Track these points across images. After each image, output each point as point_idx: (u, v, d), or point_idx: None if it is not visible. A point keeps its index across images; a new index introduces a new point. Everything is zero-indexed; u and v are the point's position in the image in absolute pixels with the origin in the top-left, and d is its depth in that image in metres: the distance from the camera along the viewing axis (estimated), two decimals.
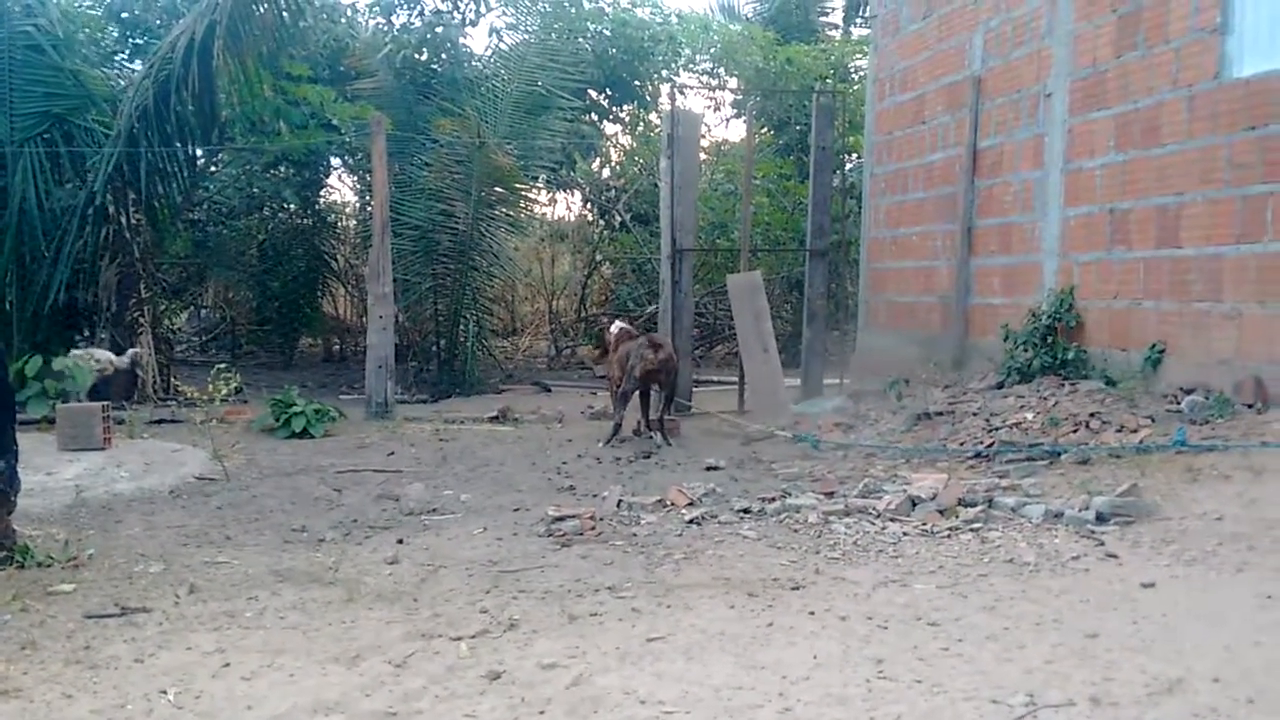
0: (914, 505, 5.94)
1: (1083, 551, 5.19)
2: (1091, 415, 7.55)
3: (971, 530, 5.56)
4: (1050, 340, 9.01)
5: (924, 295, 11.55)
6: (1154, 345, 8.08)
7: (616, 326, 10.33)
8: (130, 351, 10.93)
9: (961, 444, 7.75)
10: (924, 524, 5.67)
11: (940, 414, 8.73)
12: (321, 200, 17.24)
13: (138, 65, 14.21)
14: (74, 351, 10.44)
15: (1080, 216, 9.09)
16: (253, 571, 5.22)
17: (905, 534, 5.55)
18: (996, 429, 7.87)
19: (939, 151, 11.28)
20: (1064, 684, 3.54)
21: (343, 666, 3.88)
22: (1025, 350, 9.14)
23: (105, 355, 10.47)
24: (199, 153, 13.01)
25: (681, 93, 18.21)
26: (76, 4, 14.58)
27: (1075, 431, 7.41)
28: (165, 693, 3.64)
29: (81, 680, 3.77)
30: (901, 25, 12.20)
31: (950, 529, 5.59)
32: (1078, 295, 9.03)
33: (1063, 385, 8.43)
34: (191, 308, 18.52)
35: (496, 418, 10.71)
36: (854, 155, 16.13)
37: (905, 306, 12.01)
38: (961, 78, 10.83)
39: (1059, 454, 7.03)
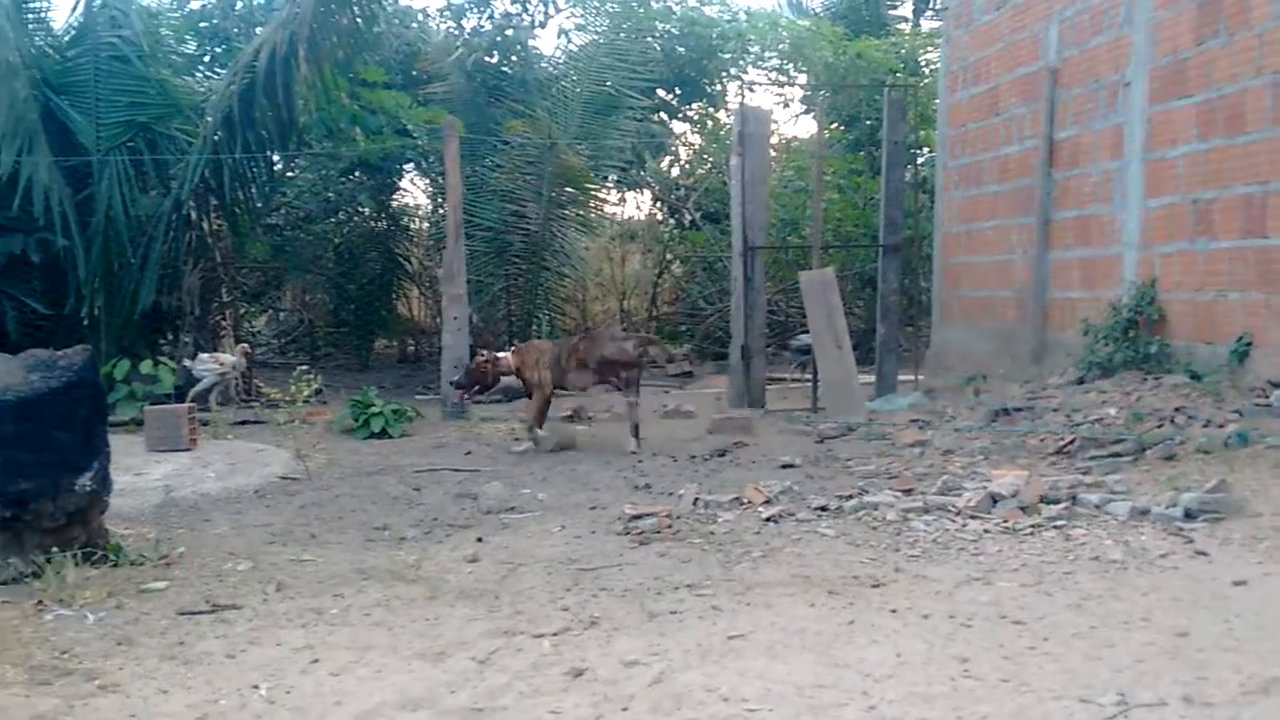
0: (995, 502, 5.87)
1: (1171, 549, 5.09)
2: (1176, 410, 7.42)
3: (1055, 528, 5.49)
4: (1132, 334, 8.86)
5: (999, 290, 11.40)
6: (1240, 338, 7.90)
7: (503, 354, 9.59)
8: (240, 347, 11.35)
9: (1042, 440, 7.64)
10: (1005, 521, 5.60)
11: (1019, 410, 8.62)
12: (395, 203, 17.47)
13: (217, 73, 14.53)
14: (201, 355, 10.87)
15: (1162, 207, 8.92)
16: (337, 569, 5.31)
17: (986, 531, 5.49)
18: (1078, 425, 7.75)
19: (1014, 144, 11.13)
20: (1155, 683, 3.49)
21: (428, 663, 3.94)
22: (1106, 344, 8.99)
23: (228, 357, 10.89)
24: (278, 159, 13.25)
25: (750, 90, 18.20)
26: (158, 15, 14.91)
27: (1159, 427, 7.28)
28: (257, 687, 3.72)
29: (176, 675, 3.86)
30: (974, 17, 12.05)
31: (1033, 526, 5.51)
32: (1160, 288, 8.86)
33: (1145, 380, 8.28)
34: (270, 311, 18.86)
35: (570, 417, 10.77)
36: (925, 149, 15.97)
37: (980, 301, 11.87)
38: (1036, 69, 10.68)
39: (1144, 449, 6.90)
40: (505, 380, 9.59)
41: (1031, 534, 5.43)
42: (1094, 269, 9.79)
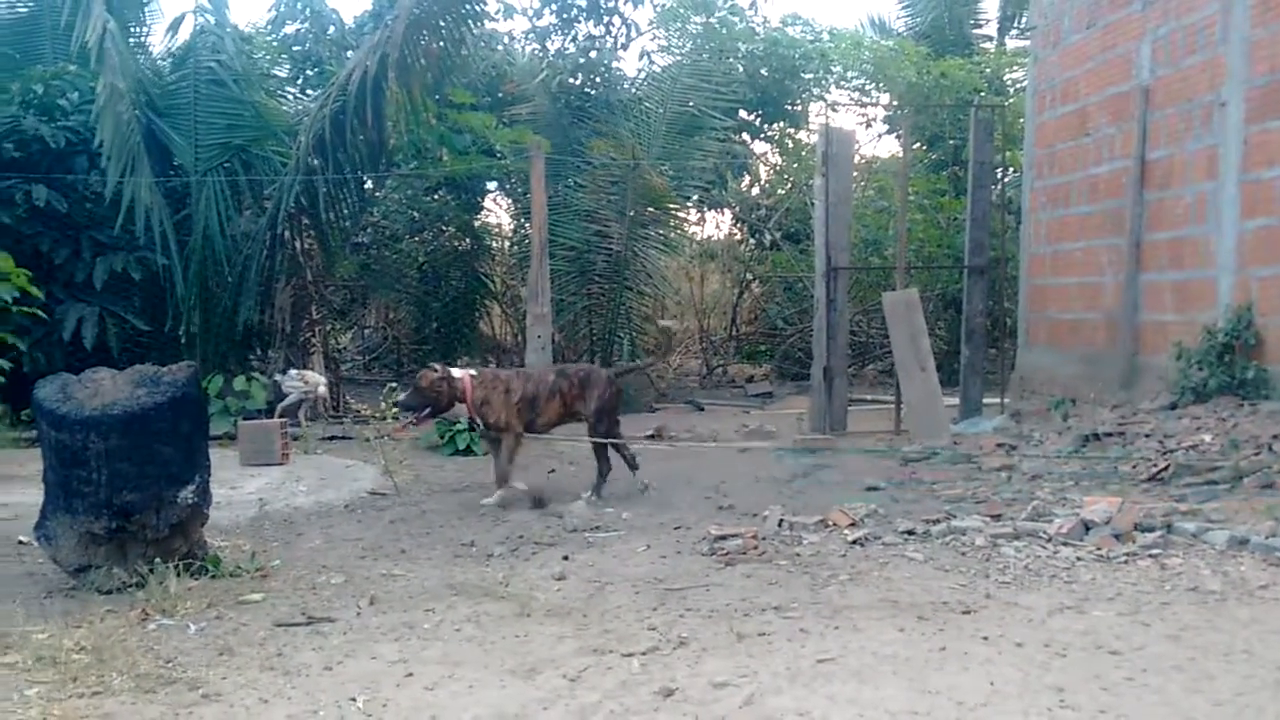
0: (1087, 529, 5.77)
1: (1272, 580, 4.97)
2: (1275, 437, 7.24)
3: (1150, 556, 5.38)
4: (1227, 359, 8.66)
5: (1088, 312, 11.22)
6: None
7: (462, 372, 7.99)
8: (324, 375, 11.64)
9: (1134, 467, 7.50)
10: (1099, 549, 5.51)
11: (1110, 435, 8.47)
12: (478, 223, 17.70)
13: (309, 95, 14.88)
14: (290, 372, 11.15)
15: (1258, 229, 8.72)
16: (428, 584, 5.40)
17: (1079, 559, 5.41)
18: (1171, 451, 7.60)
19: (1104, 164, 10.96)
20: (1258, 717, 3.41)
21: (519, 679, 3.99)
22: (1200, 369, 8.80)
23: (314, 376, 11.15)
24: (368, 180, 13.52)
25: (834, 110, 18.14)
26: (253, 39, 15.32)
27: (1257, 454, 7.11)
28: (354, 700, 3.80)
29: (276, 686, 3.96)
30: (1063, 36, 11.91)
31: (1127, 554, 5.42)
32: (1257, 311, 8.65)
33: (1241, 405, 8.10)
34: (355, 327, 19.20)
35: (652, 436, 10.82)
36: (1010, 170, 15.79)
37: (1068, 324, 11.69)
38: (1128, 88, 10.51)
39: (1241, 477, 6.74)
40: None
41: (1126, 562, 5.33)
42: (1187, 291, 9.59)
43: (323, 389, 11.40)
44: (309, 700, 3.81)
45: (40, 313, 9.56)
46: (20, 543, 6.26)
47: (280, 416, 10.27)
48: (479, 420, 7.70)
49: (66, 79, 11.98)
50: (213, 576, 5.46)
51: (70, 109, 11.89)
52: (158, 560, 5.27)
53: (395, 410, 8.20)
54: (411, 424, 7.84)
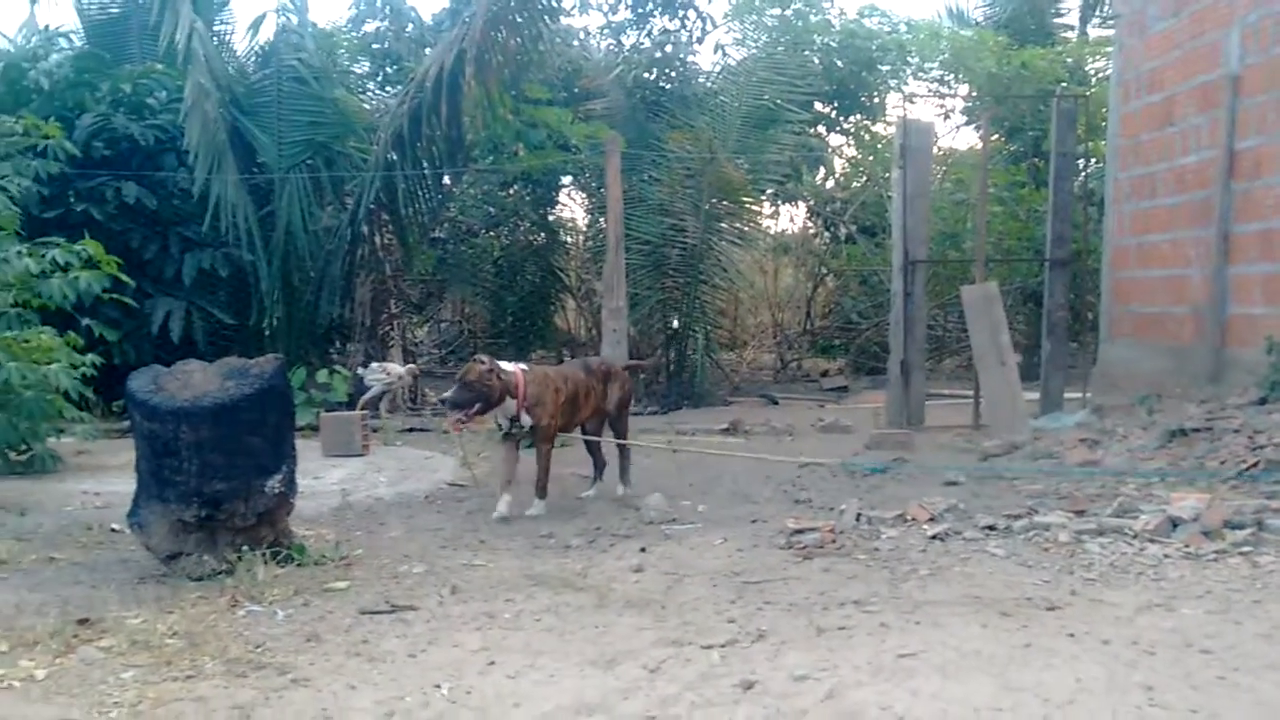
0: (1174, 526, 5.66)
1: None
2: None
3: (1240, 554, 5.26)
4: None
5: (1174, 305, 10.96)
6: None
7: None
8: (408, 366, 11.80)
9: (1222, 463, 7.32)
10: (1187, 546, 5.39)
11: (1197, 430, 8.26)
12: (553, 217, 17.81)
13: (388, 92, 15.09)
14: (372, 364, 11.37)
15: None
16: (507, 575, 5.45)
17: (1166, 556, 5.30)
18: (1261, 447, 7.39)
19: (1190, 154, 10.70)
20: None
21: (599, 670, 4.01)
22: None
23: (397, 368, 11.34)
24: (446, 175, 13.68)
25: (911, 101, 17.94)
26: (334, 37, 15.57)
27: None
28: (439, 687, 3.85)
29: (362, 672, 4.03)
30: (1148, 24, 11.64)
31: (1217, 552, 5.29)
32: None
33: None
34: (431, 321, 19.44)
35: (727, 429, 10.82)
36: (1093, 160, 15.50)
37: (1152, 317, 11.44)
38: (1215, 77, 10.24)
39: None
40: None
41: (1216, 560, 5.21)
42: (1278, 284, 9.33)
43: (408, 379, 11.57)
44: (395, 686, 3.86)
45: (131, 301, 9.82)
46: (113, 530, 6.44)
47: (363, 409, 10.45)
48: (527, 419, 7.03)
49: (154, 78, 12.30)
50: (298, 564, 5.56)
51: (158, 108, 12.20)
52: (246, 548, 5.40)
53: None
54: (461, 422, 7.02)
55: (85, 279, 8.43)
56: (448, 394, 7.13)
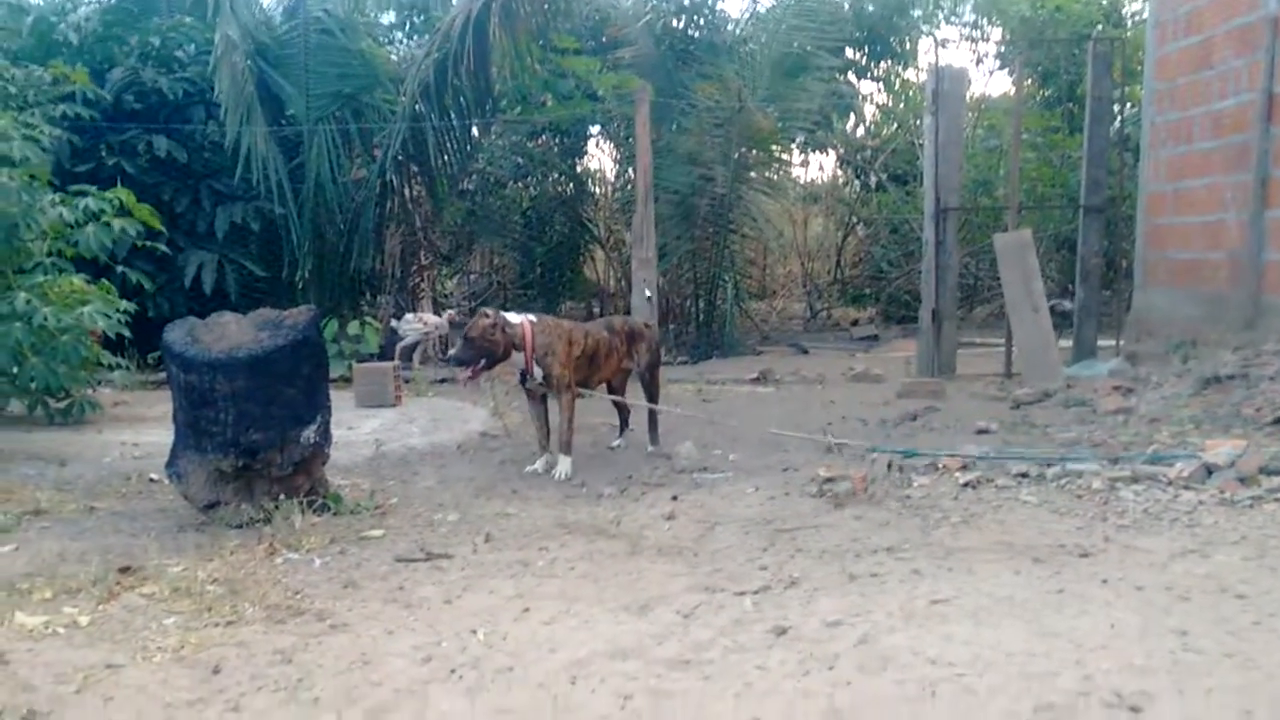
0: (1209, 473, 5.62)
1: None
2: None
3: (1276, 500, 5.21)
4: None
5: (1210, 251, 10.82)
6: None
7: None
8: (446, 313, 11.85)
9: (1258, 410, 7.25)
10: (1222, 492, 5.35)
11: (1232, 377, 8.19)
12: (581, 168, 17.73)
13: (415, 42, 15.01)
14: (407, 315, 11.42)
15: None
16: (540, 523, 5.50)
17: (1201, 502, 5.27)
18: None
19: (1229, 98, 10.50)
20: None
21: (633, 615, 4.04)
22: None
23: (432, 318, 11.40)
24: (475, 127, 13.64)
25: (943, 46, 17.71)
26: None
27: None
28: (474, 632, 3.89)
29: (399, 618, 4.08)
30: None
31: (1252, 498, 5.25)
32: None
33: None
34: (461, 273, 19.46)
35: (757, 379, 10.82)
36: (1129, 105, 15.25)
37: (1187, 263, 11.29)
38: (1255, 19, 10.02)
39: None
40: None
41: (1251, 506, 5.18)
42: None
43: (445, 327, 11.62)
44: (431, 632, 3.91)
45: (164, 248, 9.88)
46: (152, 480, 6.53)
47: (400, 359, 10.50)
48: (539, 371, 6.83)
49: (183, 31, 12.29)
50: (334, 513, 5.63)
51: (187, 61, 12.21)
52: (283, 497, 5.47)
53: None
54: (470, 379, 6.79)
55: (119, 225, 8.46)
56: (452, 350, 6.99)
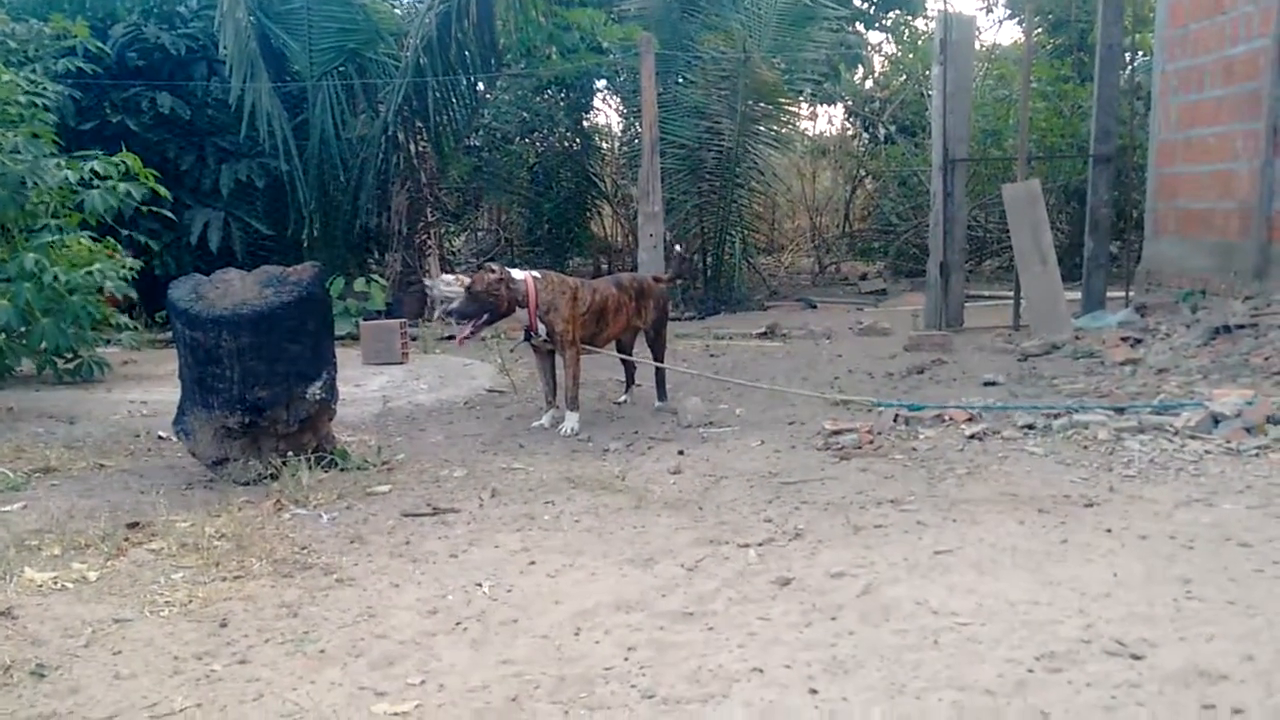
0: (1216, 422, 5.61)
1: None
2: None
3: None
4: None
5: (1220, 201, 10.73)
6: None
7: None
8: (459, 278, 11.83)
9: (1267, 359, 7.23)
10: (1228, 442, 5.35)
11: (1241, 327, 8.16)
12: (587, 123, 17.62)
13: None
14: (445, 276, 11.43)
15: None
16: (546, 478, 5.51)
17: (1207, 452, 5.26)
18: None
19: (1240, 44, 10.37)
20: None
21: (638, 568, 4.07)
22: None
23: (452, 279, 11.37)
24: (479, 81, 13.54)
25: None
26: None
27: None
28: (480, 585, 3.92)
29: (405, 571, 4.11)
30: None
31: (1259, 448, 5.24)
32: None
33: None
34: (468, 230, 19.41)
35: (765, 333, 10.80)
36: (1139, 53, 15.08)
37: (1198, 213, 11.21)
38: None
39: None
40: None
41: (1257, 455, 5.17)
42: None
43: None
44: (437, 585, 3.94)
45: (169, 213, 9.86)
46: (160, 438, 6.57)
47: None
48: (542, 328, 6.74)
49: None
50: (341, 469, 5.66)
51: (189, 15, 12.13)
52: (289, 453, 5.50)
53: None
54: (469, 335, 6.69)
55: (125, 188, 8.44)
56: (454, 305, 6.90)
